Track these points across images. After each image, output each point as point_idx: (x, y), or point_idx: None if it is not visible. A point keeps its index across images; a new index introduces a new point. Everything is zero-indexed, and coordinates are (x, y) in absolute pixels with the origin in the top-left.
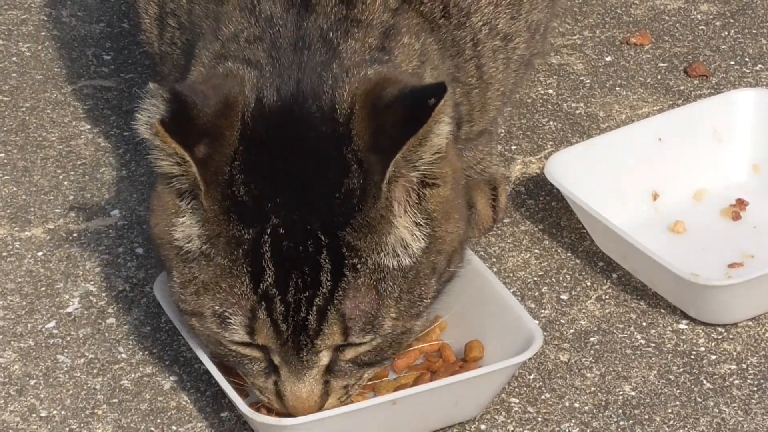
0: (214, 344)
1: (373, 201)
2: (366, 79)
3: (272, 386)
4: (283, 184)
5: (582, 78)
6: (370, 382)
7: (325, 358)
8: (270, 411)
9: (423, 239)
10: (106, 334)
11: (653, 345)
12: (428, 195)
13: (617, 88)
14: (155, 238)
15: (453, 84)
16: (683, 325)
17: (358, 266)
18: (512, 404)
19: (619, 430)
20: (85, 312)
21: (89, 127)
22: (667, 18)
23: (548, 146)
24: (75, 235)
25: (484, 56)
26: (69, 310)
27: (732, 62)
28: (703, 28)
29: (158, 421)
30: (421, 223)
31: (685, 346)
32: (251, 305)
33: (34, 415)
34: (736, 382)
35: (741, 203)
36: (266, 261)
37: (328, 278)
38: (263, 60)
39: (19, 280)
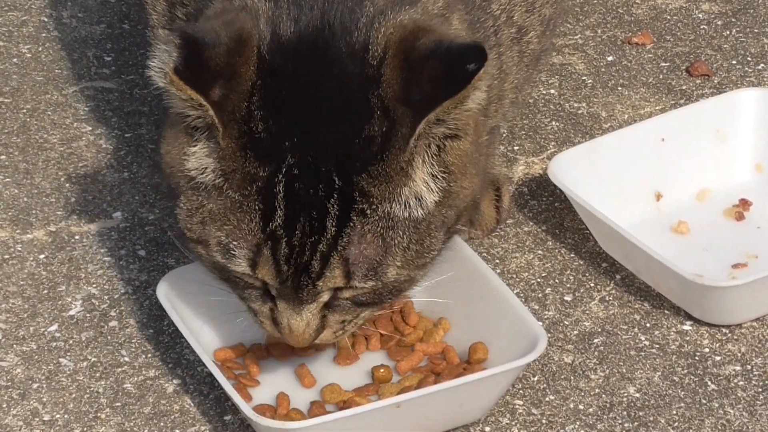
0: (218, 270)
1: (397, 153)
2: (401, 26)
3: (268, 311)
4: (302, 123)
5: (584, 78)
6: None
7: (325, 297)
8: (274, 413)
9: (437, 192)
10: (109, 337)
11: (657, 346)
12: (448, 147)
13: (619, 88)
14: (165, 165)
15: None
16: (687, 326)
17: (367, 212)
18: (516, 406)
19: (624, 431)
20: (88, 315)
21: (90, 128)
22: (668, 17)
23: (551, 146)
24: (77, 237)
25: (503, 45)
26: (71, 313)
27: (734, 61)
28: (705, 27)
29: (161, 424)
30: (438, 175)
31: (689, 347)
32: (257, 242)
33: (37, 419)
34: (741, 383)
35: (744, 203)
36: (278, 201)
37: (334, 223)
38: None
39: (21, 283)
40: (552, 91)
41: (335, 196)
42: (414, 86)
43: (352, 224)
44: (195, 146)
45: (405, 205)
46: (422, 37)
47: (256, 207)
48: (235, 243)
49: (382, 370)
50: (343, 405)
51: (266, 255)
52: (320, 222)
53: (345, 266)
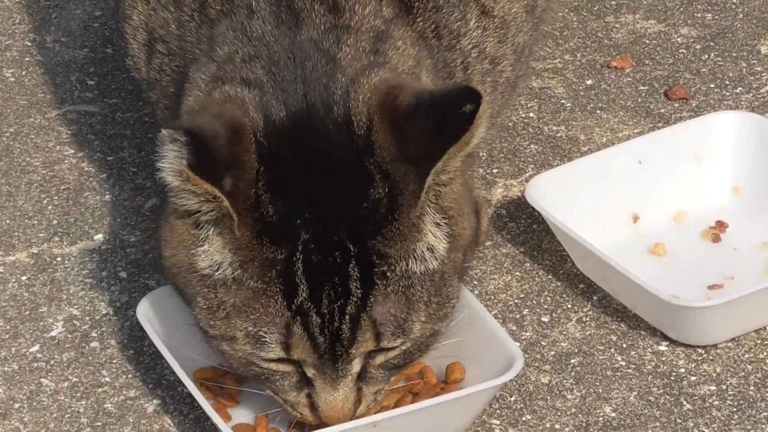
0: (244, 365)
1: (408, 210)
2: (377, 89)
3: (305, 399)
4: (309, 199)
5: (563, 101)
6: None
7: (357, 365)
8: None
9: (444, 239)
10: (90, 357)
11: (633, 366)
12: (443, 193)
13: (598, 111)
14: (172, 268)
15: None
16: (663, 347)
17: (388, 273)
18: (493, 426)
19: None
20: (69, 336)
21: (73, 152)
22: (647, 42)
23: (529, 169)
24: (59, 259)
25: (473, 80)
26: (53, 333)
27: (712, 85)
28: (684, 51)
29: None
30: (441, 222)
31: (665, 367)
32: (286, 322)
33: None
34: (716, 403)
35: (721, 225)
36: (299, 276)
37: (358, 286)
38: (263, 77)
39: (3, 304)
40: (531, 115)
41: (353, 261)
42: (408, 143)
43: (376, 286)
44: (204, 244)
45: (421, 260)
46: (399, 95)
47: (278, 288)
48: (264, 330)
49: None
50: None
51: (298, 333)
52: (344, 287)
53: (374, 328)
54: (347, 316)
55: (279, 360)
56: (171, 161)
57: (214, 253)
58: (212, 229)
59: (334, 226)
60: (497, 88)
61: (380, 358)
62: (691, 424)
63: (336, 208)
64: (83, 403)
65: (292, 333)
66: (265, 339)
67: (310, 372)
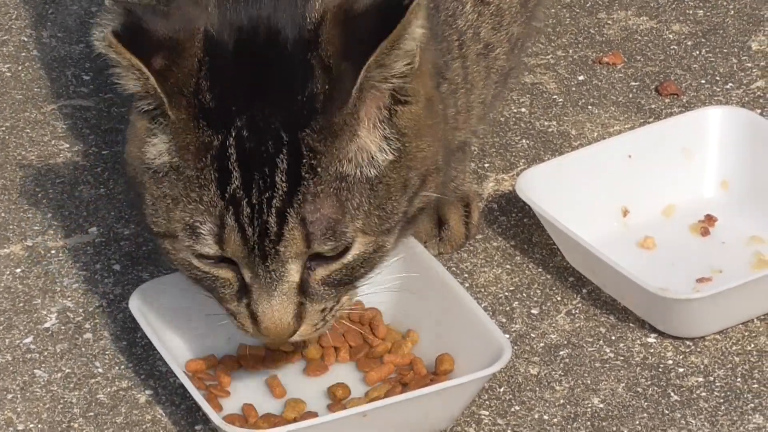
0: (188, 268)
1: (339, 105)
2: None
3: (245, 309)
4: (248, 88)
5: (555, 97)
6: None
7: (294, 272)
8: (244, 422)
9: (391, 152)
10: (83, 349)
11: (622, 358)
12: (399, 111)
13: (589, 107)
14: (129, 165)
15: (441, 80)
16: (652, 339)
17: (318, 169)
18: (482, 416)
19: None
20: (62, 327)
21: (68, 146)
22: (639, 38)
23: (520, 164)
24: (53, 252)
25: (468, 58)
26: (46, 325)
27: (703, 81)
28: (675, 47)
29: None
30: (390, 137)
31: (653, 359)
32: (219, 211)
33: (11, 429)
34: (703, 394)
35: (710, 219)
36: (232, 163)
37: (284, 179)
38: None
39: None
40: (523, 110)
41: (284, 151)
42: (353, 41)
43: (304, 182)
44: (153, 137)
45: (355, 163)
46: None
47: (212, 175)
48: (199, 220)
49: (340, 391)
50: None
51: (230, 225)
52: (272, 178)
53: (303, 227)
54: (273, 210)
55: (216, 260)
56: (102, 29)
57: (158, 143)
58: (160, 121)
59: (269, 114)
60: (491, 76)
61: (321, 271)
62: (679, 415)
63: (273, 97)
64: (76, 393)
65: (225, 224)
66: (200, 231)
67: (247, 276)
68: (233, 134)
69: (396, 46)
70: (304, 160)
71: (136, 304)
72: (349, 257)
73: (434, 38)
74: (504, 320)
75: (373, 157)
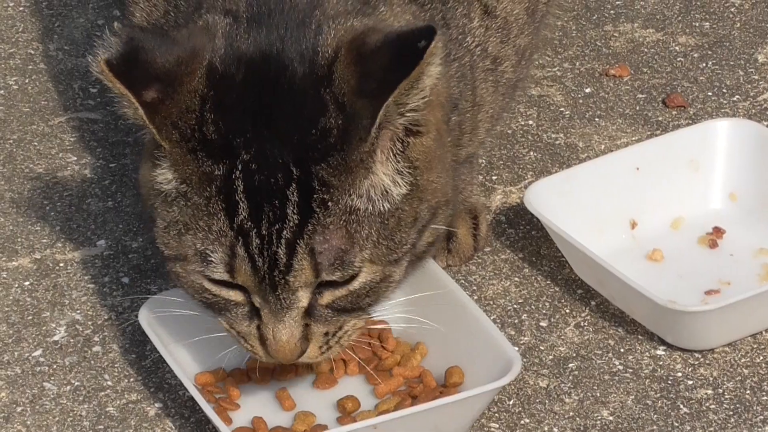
0: (198, 291)
1: (358, 143)
2: (352, 28)
3: (255, 331)
4: (255, 121)
5: (562, 109)
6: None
7: (303, 299)
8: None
9: (404, 186)
10: (92, 361)
11: (631, 370)
12: (411, 143)
13: (596, 119)
14: (141, 187)
15: (452, 111)
16: (660, 351)
17: (329, 203)
18: (492, 429)
19: None
20: (72, 340)
21: (75, 158)
22: (645, 50)
23: (528, 176)
24: (61, 264)
25: (477, 78)
26: (55, 338)
27: (710, 93)
28: (682, 59)
29: None
30: (404, 171)
31: (662, 371)
32: (230, 241)
33: None
34: (713, 406)
35: (718, 231)
36: (239, 195)
37: (295, 211)
38: (242, 7)
39: (6, 309)
40: (530, 122)
41: (293, 185)
42: (368, 78)
43: (315, 214)
44: (160, 160)
45: (367, 198)
46: (371, 35)
47: (220, 206)
48: (210, 248)
49: (349, 404)
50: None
51: (240, 254)
52: (282, 210)
53: (312, 257)
54: (283, 241)
55: (226, 284)
56: (98, 51)
57: (165, 170)
58: (162, 150)
59: (279, 148)
60: (498, 89)
61: (327, 296)
62: (688, 428)
63: (284, 131)
64: (85, 406)
65: (236, 254)
66: (210, 258)
67: (257, 301)
68: (239, 167)
69: (414, 86)
70: (316, 195)
71: (145, 317)
72: (355, 284)
73: (444, 59)
74: (513, 333)
75: (386, 191)
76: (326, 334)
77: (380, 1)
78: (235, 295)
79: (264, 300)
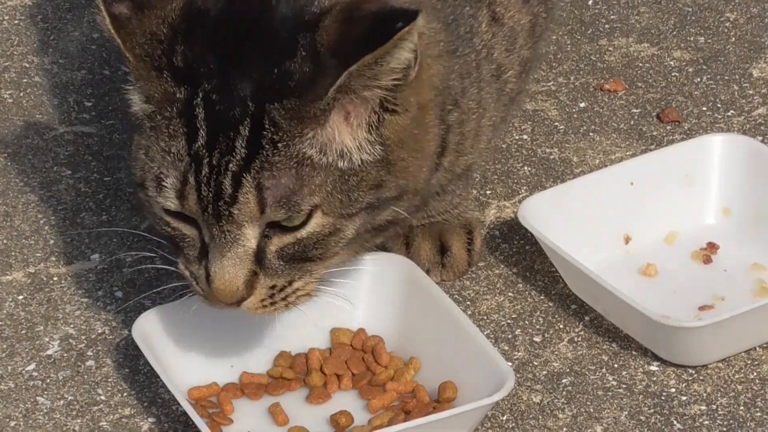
0: (159, 223)
1: (314, 97)
2: None
3: (204, 272)
4: (222, 54)
5: (556, 124)
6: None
7: (250, 238)
8: None
9: (371, 154)
10: (86, 376)
11: (624, 386)
12: (387, 120)
13: (591, 134)
14: (130, 118)
15: (453, 107)
16: (654, 367)
17: (278, 144)
18: None
19: None
20: (65, 355)
21: (70, 172)
22: (640, 65)
23: (522, 191)
24: (55, 279)
25: (484, 80)
26: (49, 352)
27: (704, 108)
28: (676, 74)
29: None
30: (374, 141)
31: (656, 387)
32: (184, 167)
33: None
34: (706, 422)
35: (712, 247)
36: (199, 122)
37: (243, 145)
38: None
39: (0, 323)
40: (525, 137)
41: (247, 120)
42: (346, 41)
43: (263, 151)
44: (131, 84)
45: (322, 152)
46: (370, 4)
47: (181, 129)
48: (165, 172)
49: (343, 419)
50: None
51: (190, 182)
52: (233, 143)
53: (258, 193)
54: (230, 173)
55: (180, 216)
56: None
57: (133, 89)
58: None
59: (241, 82)
60: (501, 98)
61: (276, 242)
62: None
63: (248, 66)
64: (78, 421)
65: (187, 181)
66: (164, 183)
67: (206, 237)
68: (200, 95)
69: (378, 63)
70: (265, 133)
71: (138, 332)
72: (303, 232)
73: (451, 53)
74: (506, 348)
75: (346, 152)
76: (273, 287)
77: None
78: (189, 230)
79: (211, 234)
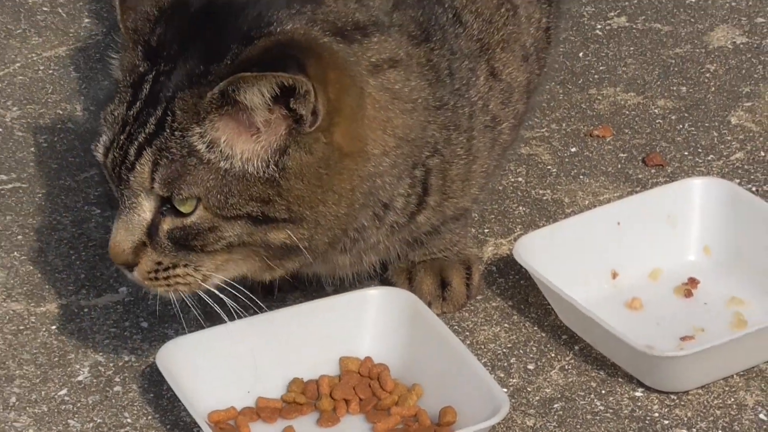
0: (105, 180)
1: (201, 94)
2: (308, 29)
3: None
4: (182, 43)
5: (549, 167)
6: None
7: (146, 209)
8: None
9: (259, 170)
10: (113, 400)
11: (611, 411)
12: (291, 152)
13: (581, 177)
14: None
15: (432, 153)
16: (639, 393)
17: (176, 132)
18: None
19: None
20: (94, 380)
21: (99, 211)
22: (627, 112)
23: (517, 229)
24: (86, 310)
25: (476, 129)
26: (79, 378)
27: (686, 152)
28: (660, 121)
29: None
30: (268, 161)
31: (640, 411)
32: (117, 130)
33: None
34: None
35: (693, 282)
36: (142, 95)
37: (153, 122)
38: None
39: (34, 351)
40: (519, 179)
41: (164, 103)
42: (250, 59)
43: (163, 132)
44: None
45: (209, 149)
46: (320, 39)
47: (127, 99)
48: (104, 131)
49: None
50: None
51: (115, 144)
52: (147, 119)
53: (153, 167)
54: (136, 143)
55: (111, 179)
56: None
57: (117, 57)
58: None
59: (179, 70)
60: (494, 148)
61: (168, 222)
62: None
63: (190, 59)
64: None
65: (114, 141)
66: (100, 139)
67: (119, 199)
68: (153, 73)
69: (231, 88)
70: (168, 118)
71: (162, 359)
72: (188, 221)
73: (436, 108)
74: (502, 375)
75: (231, 158)
76: (159, 263)
77: (376, 30)
78: (115, 191)
79: (119, 197)
